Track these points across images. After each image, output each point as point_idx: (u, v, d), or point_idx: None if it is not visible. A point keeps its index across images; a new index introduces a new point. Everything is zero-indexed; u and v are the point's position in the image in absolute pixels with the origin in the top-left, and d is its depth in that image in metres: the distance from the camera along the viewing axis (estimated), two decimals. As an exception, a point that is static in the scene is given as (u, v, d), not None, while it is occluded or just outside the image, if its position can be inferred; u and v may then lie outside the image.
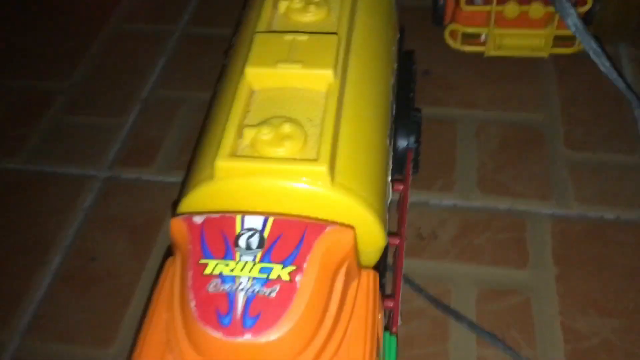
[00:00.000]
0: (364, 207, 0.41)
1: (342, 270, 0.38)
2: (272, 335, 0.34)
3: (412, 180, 0.64)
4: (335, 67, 0.44)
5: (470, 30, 0.76)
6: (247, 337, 0.34)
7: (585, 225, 0.61)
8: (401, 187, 0.58)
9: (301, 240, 0.37)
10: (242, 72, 0.45)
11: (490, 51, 0.77)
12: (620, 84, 0.67)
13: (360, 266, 0.41)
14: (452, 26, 0.76)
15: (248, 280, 0.36)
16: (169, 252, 0.41)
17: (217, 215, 0.38)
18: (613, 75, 0.67)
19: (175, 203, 0.44)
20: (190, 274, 0.37)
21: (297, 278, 0.36)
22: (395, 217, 0.60)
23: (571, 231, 0.61)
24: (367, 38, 0.50)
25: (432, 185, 0.66)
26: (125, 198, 0.68)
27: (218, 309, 0.35)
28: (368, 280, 0.40)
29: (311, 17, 0.50)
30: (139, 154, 0.72)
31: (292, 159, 0.40)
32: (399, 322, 0.52)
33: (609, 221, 0.62)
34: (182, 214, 0.40)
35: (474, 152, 0.69)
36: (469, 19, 0.75)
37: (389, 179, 0.47)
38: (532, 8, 0.72)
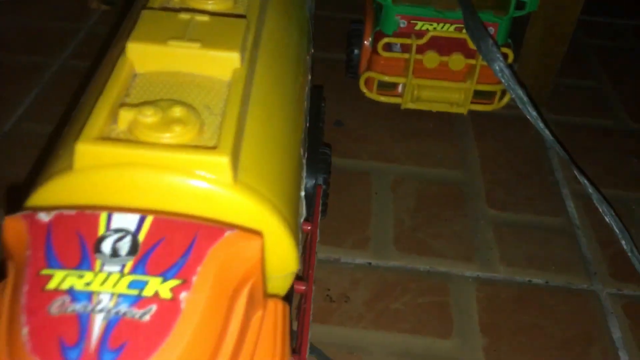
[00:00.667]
0: (273, 215, 0.32)
1: (245, 291, 0.28)
2: (141, 376, 0.24)
3: (321, 234, 0.56)
4: (242, 51, 0.36)
5: (386, 78, 0.71)
6: (104, 378, 0.23)
7: (513, 290, 0.56)
8: (309, 227, 0.50)
9: (190, 247, 0.27)
10: (122, 49, 0.36)
11: (407, 103, 0.72)
12: (547, 135, 0.63)
13: (267, 294, 0.31)
14: (368, 74, 0.71)
15: (111, 297, 0.25)
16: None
17: (72, 212, 0.28)
18: (539, 125, 0.63)
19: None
20: (25, 289, 0.25)
21: (182, 295, 0.26)
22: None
23: (498, 296, 0.55)
24: (280, 32, 0.43)
25: (344, 241, 0.59)
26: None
27: (62, 338, 0.24)
28: (276, 311, 0.31)
29: (213, 5, 0.41)
30: (-11, 193, 0.60)
31: (181, 146, 0.31)
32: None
33: (538, 286, 0.56)
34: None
35: (390, 207, 0.63)
36: (386, 66, 0.70)
37: (302, 194, 0.38)
38: (453, 59, 0.69)
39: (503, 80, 0.63)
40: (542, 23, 0.71)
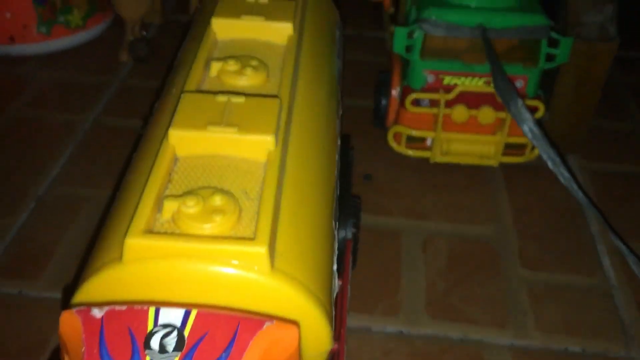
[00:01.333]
0: (309, 300, 0.33)
1: (283, 380, 0.30)
2: None
3: (351, 298, 0.55)
4: (276, 133, 0.38)
5: (415, 133, 0.69)
6: None
7: (550, 359, 0.54)
8: (340, 281, 0.51)
9: (232, 340, 0.29)
10: (165, 135, 0.38)
11: (436, 157, 0.70)
12: (581, 197, 0.62)
13: (303, 374, 0.33)
14: (396, 128, 0.70)
15: (160, 394, 0.27)
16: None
17: (123, 308, 0.30)
18: (573, 186, 0.61)
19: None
20: (81, 385, 0.28)
21: (226, 391, 0.27)
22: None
23: (534, 367, 0.53)
24: (311, 107, 0.45)
25: (374, 307, 0.57)
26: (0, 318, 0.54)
27: None
28: (312, 393, 0.32)
29: (247, 80, 0.44)
30: (25, 263, 0.59)
31: (222, 238, 0.33)
32: None
33: (574, 354, 0.54)
34: (79, 305, 0.31)
35: (421, 268, 0.61)
36: (414, 121, 0.69)
37: (335, 267, 0.40)
38: (482, 113, 0.66)
39: (534, 142, 0.62)
40: (573, 71, 0.69)
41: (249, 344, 0.29)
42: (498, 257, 0.62)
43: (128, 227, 0.32)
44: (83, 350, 0.28)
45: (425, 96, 0.67)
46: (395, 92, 0.70)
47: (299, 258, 0.34)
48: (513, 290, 0.59)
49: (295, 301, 0.33)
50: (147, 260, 0.32)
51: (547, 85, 0.70)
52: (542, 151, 0.61)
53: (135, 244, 0.32)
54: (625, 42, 0.71)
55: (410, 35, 0.65)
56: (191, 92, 0.41)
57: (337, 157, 0.47)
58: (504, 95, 0.62)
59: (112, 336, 0.29)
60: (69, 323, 0.30)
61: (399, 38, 0.65)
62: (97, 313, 0.29)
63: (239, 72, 0.44)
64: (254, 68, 0.44)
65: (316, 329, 0.34)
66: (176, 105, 0.40)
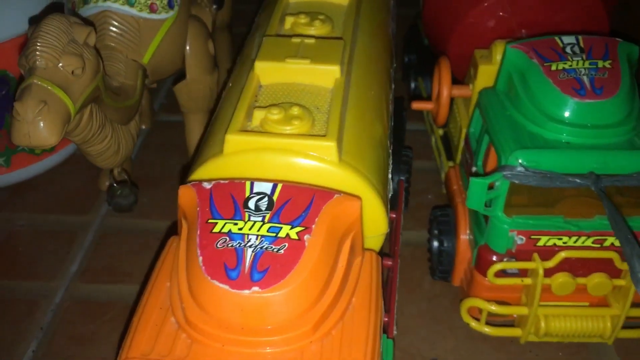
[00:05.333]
0: (369, 188, 0.42)
1: (348, 240, 0.38)
2: (279, 290, 0.34)
3: None
4: (341, 65, 0.47)
5: (499, 310, 0.51)
6: (255, 289, 0.34)
7: None
8: (394, 215, 0.59)
9: (310, 204, 0.37)
10: (251, 67, 0.47)
11: (529, 337, 0.52)
12: None
13: (364, 248, 0.41)
14: (472, 302, 0.52)
15: (257, 237, 0.36)
16: None
17: (226, 181, 0.39)
18: None
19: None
20: (198, 233, 0.37)
21: (306, 237, 0.36)
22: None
23: None
24: (369, 51, 0.53)
25: None
26: None
27: (226, 263, 0.35)
28: (372, 260, 0.40)
29: (316, 30, 0.52)
30: None
31: (300, 135, 0.41)
32: (395, 331, 0.51)
33: None
34: (190, 184, 0.40)
35: None
36: (497, 290, 0.51)
37: (390, 176, 0.48)
38: (593, 282, 0.49)
39: None
40: None
41: (322, 208, 0.37)
42: None
43: (227, 129, 0.42)
44: (198, 210, 0.38)
45: (515, 266, 0.49)
46: (463, 245, 0.53)
47: (361, 156, 0.43)
48: None
49: (358, 187, 0.41)
50: (242, 152, 0.41)
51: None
52: None
53: (233, 140, 0.41)
54: None
55: (490, 186, 0.47)
56: (271, 35, 0.50)
57: (391, 96, 0.55)
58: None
59: (219, 200, 0.38)
60: (186, 194, 0.39)
61: (476, 193, 0.47)
62: (207, 185, 0.39)
63: (309, 24, 0.53)
64: (322, 21, 0.53)
65: (375, 213, 0.43)
66: (259, 46, 0.49)
